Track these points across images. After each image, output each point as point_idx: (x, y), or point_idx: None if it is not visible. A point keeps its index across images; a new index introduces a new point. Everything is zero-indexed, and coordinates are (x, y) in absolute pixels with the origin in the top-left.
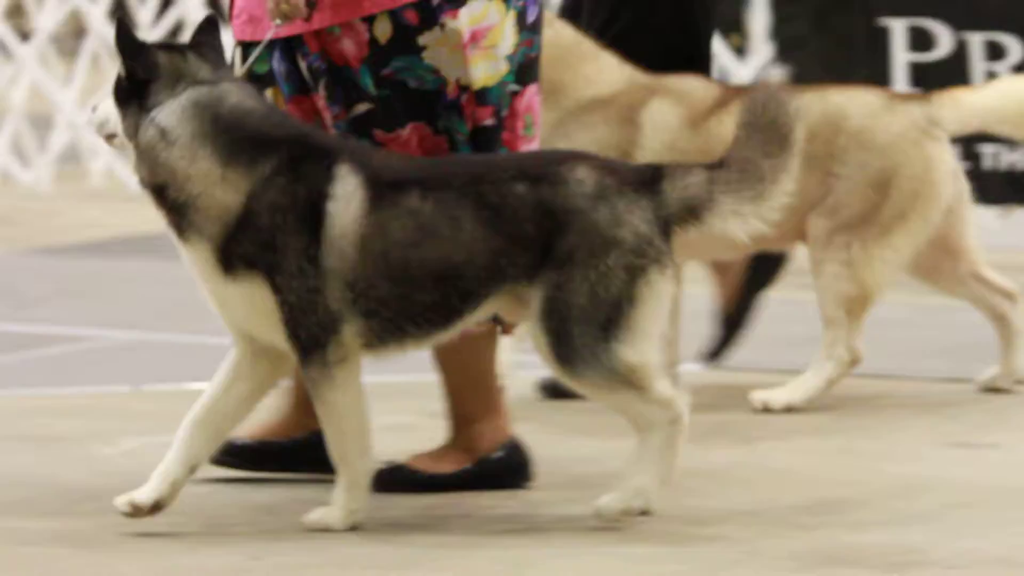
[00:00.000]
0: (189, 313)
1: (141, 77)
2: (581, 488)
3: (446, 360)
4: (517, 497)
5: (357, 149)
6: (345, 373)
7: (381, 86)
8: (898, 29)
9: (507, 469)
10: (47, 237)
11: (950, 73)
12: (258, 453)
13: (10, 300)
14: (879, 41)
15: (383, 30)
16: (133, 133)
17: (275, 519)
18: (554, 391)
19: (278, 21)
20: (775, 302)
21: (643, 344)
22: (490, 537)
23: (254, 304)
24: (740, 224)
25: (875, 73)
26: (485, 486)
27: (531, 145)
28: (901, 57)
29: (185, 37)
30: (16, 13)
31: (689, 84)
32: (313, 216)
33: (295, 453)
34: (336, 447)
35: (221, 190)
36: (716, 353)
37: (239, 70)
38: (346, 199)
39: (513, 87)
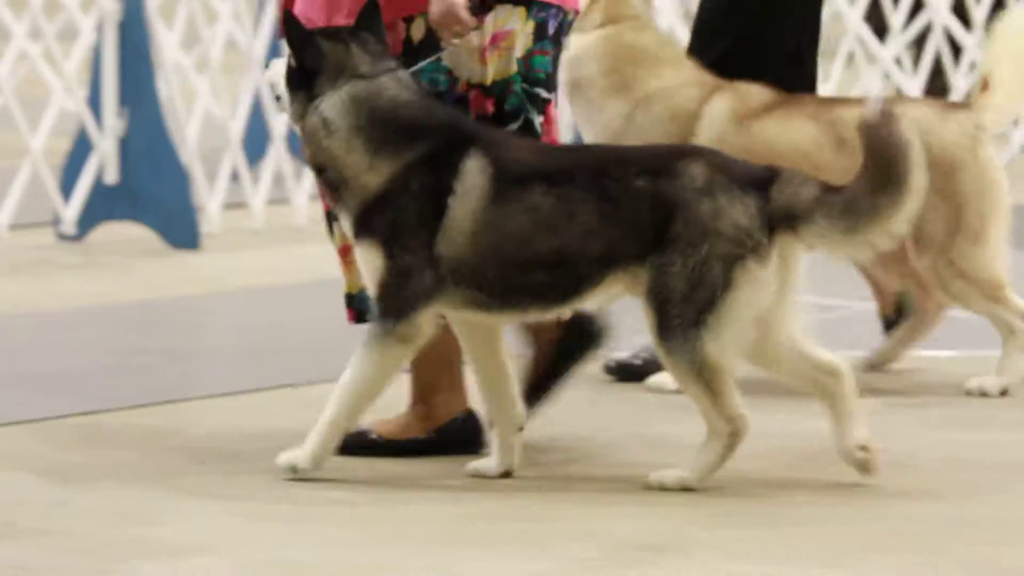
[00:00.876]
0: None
1: (308, 68)
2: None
3: None
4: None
5: (494, 141)
6: (399, 350)
7: None
8: None
9: (462, 438)
10: None
11: None
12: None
13: None
14: None
15: (419, 31)
16: (299, 117)
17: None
18: (623, 372)
19: (456, 41)
20: None
21: (727, 336)
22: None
23: (367, 264)
24: (828, 248)
25: None
26: (440, 453)
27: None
28: None
29: None
30: None
31: (748, 87)
32: (435, 207)
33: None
34: (337, 404)
35: (368, 175)
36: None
37: (404, 74)
38: (467, 195)
39: (545, 95)
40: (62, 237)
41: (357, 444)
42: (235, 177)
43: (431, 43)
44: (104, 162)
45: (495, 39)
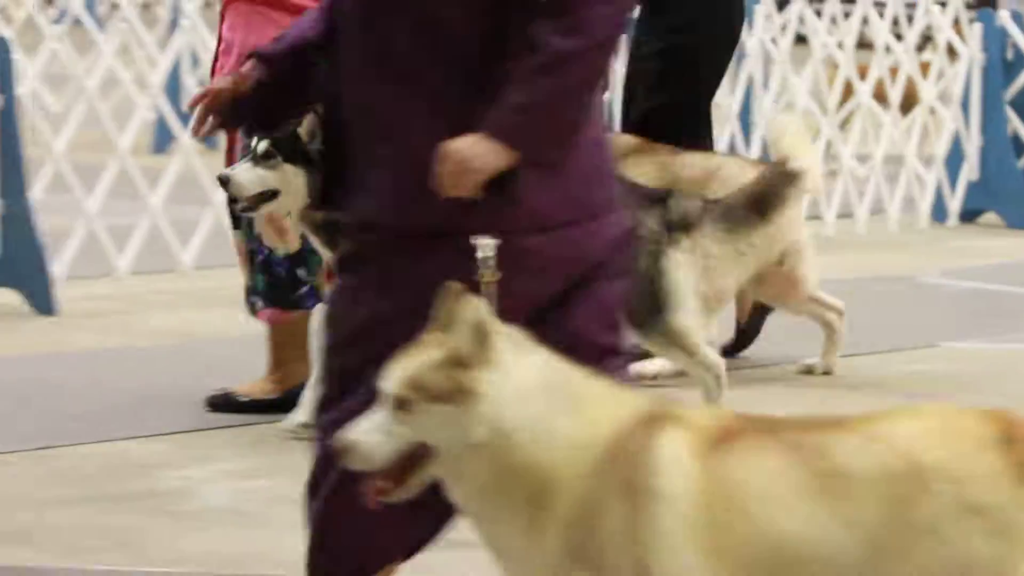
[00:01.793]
0: None
1: None
2: None
3: (275, 320)
4: None
5: None
6: None
7: None
8: None
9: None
10: None
11: None
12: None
13: None
14: None
15: None
16: None
17: None
18: None
19: None
20: None
21: (678, 306)
22: None
23: None
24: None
25: None
26: (288, 410)
27: None
28: None
29: None
30: None
31: (620, 139)
32: None
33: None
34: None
35: None
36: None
37: None
38: None
39: None
40: None
41: (226, 403)
42: None
43: None
44: None
45: None
